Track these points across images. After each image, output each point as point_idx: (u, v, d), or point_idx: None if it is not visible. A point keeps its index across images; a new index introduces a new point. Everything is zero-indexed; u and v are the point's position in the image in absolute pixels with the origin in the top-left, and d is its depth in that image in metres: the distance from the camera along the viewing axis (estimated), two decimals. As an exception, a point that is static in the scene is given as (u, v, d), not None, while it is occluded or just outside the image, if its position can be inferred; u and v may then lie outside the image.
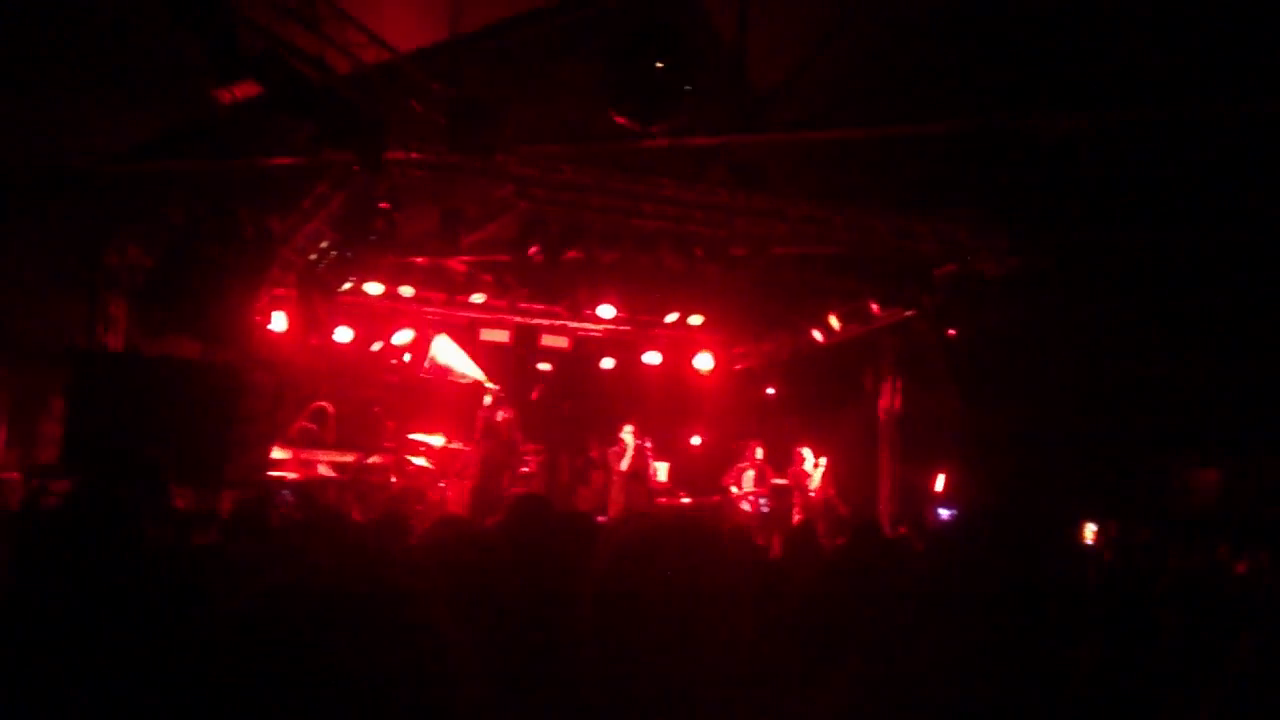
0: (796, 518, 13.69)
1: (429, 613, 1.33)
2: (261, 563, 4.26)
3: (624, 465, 13.90)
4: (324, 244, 10.75)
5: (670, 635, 1.73)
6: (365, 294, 13.11)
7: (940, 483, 14.39)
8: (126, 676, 2.65)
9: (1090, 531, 13.09)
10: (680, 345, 15.66)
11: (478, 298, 13.56)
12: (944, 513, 13.34)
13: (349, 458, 12.76)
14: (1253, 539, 11.01)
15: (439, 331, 14.57)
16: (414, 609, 1.32)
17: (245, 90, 7.32)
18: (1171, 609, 5.51)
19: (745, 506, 14.04)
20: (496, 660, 2.33)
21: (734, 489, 14.18)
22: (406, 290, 13.16)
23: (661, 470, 14.95)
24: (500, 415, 13.24)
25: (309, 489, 10.69)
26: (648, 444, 14.21)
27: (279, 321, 12.38)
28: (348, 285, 12.41)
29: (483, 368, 14.59)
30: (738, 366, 16.50)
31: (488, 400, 13.34)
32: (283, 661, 1.22)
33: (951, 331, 12.44)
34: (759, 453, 14.33)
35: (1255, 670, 1.98)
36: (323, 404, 13.37)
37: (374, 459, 12.96)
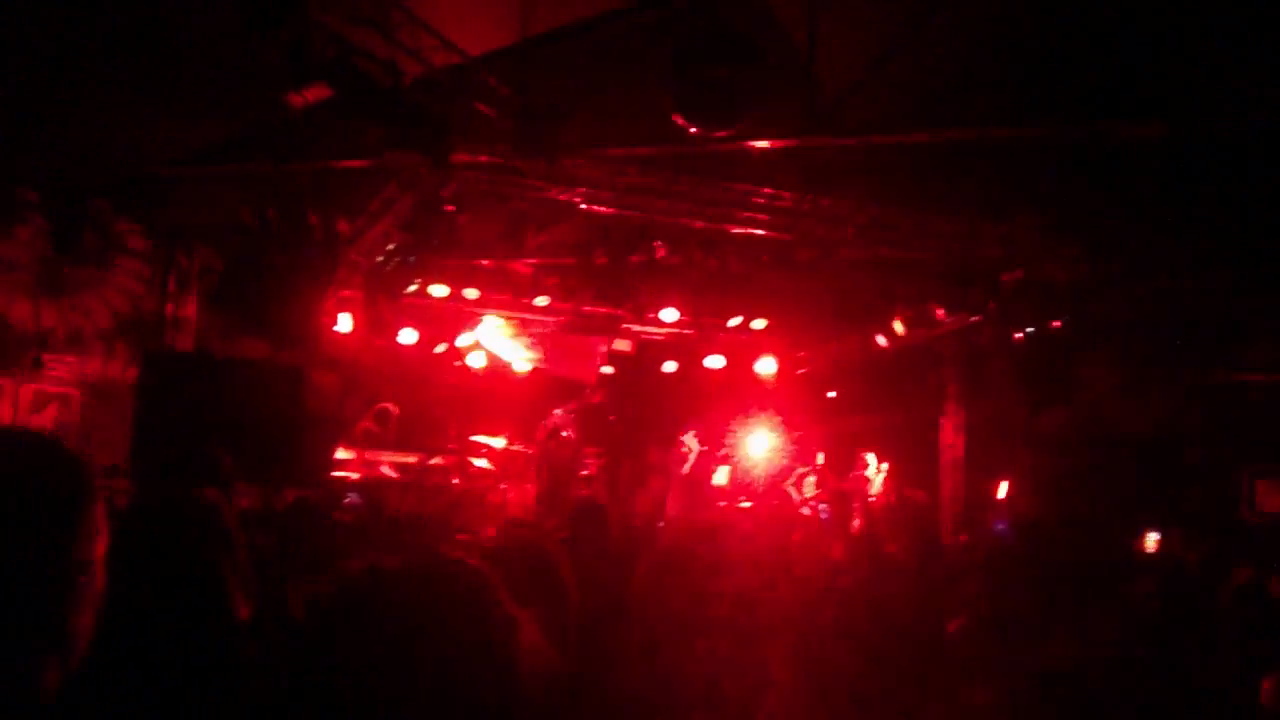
0: (856, 523, 13.56)
1: (501, 597, 1.33)
2: (321, 561, 4.28)
3: (685, 469, 13.87)
4: (390, 246, 10.85)
5: (717, 654, 1.72)
6: (430, 296, 13.20)
7: (1003, 490, 14.19)
8: (202, 677, 2.67)
9: (1152, 540, 12.83)
10: (743, 349, 15.59)
11: (542, 300, 13.60)
12: (1000, 526, 13.16)
13: (411, 459, 12.86)
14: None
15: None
16: (488, 593, 1.32)
17: (317, 94, 7.41)
18: (1232, 618, 5.39)
19: (805, 512, 13.94)
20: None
21: (794, 494, 14.08)
22: (471, 293, 13.23)
23: (722, 474, 14.89)
24: (562, 417, 13.30)
25: (373, 489, 10.79)
26: (706, 448, 14.17)
27: (345, 323, 12.51)
28: (413, 287, 12.52)
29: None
30: (801, 371, 16.39)
31: (558, 412, 13.44)
32: (356, 649, 1.24)
33: (1018, 337, 12.28)
34: (820, 457, 14.23)
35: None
36: (387, 405, 13.50)
37: (436, 460, 13.06)
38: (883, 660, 2.31)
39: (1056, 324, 11.72)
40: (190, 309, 11.20)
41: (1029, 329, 12.09)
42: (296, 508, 6.40)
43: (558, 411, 13.59)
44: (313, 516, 6.15)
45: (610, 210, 9.98)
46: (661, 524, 10.61)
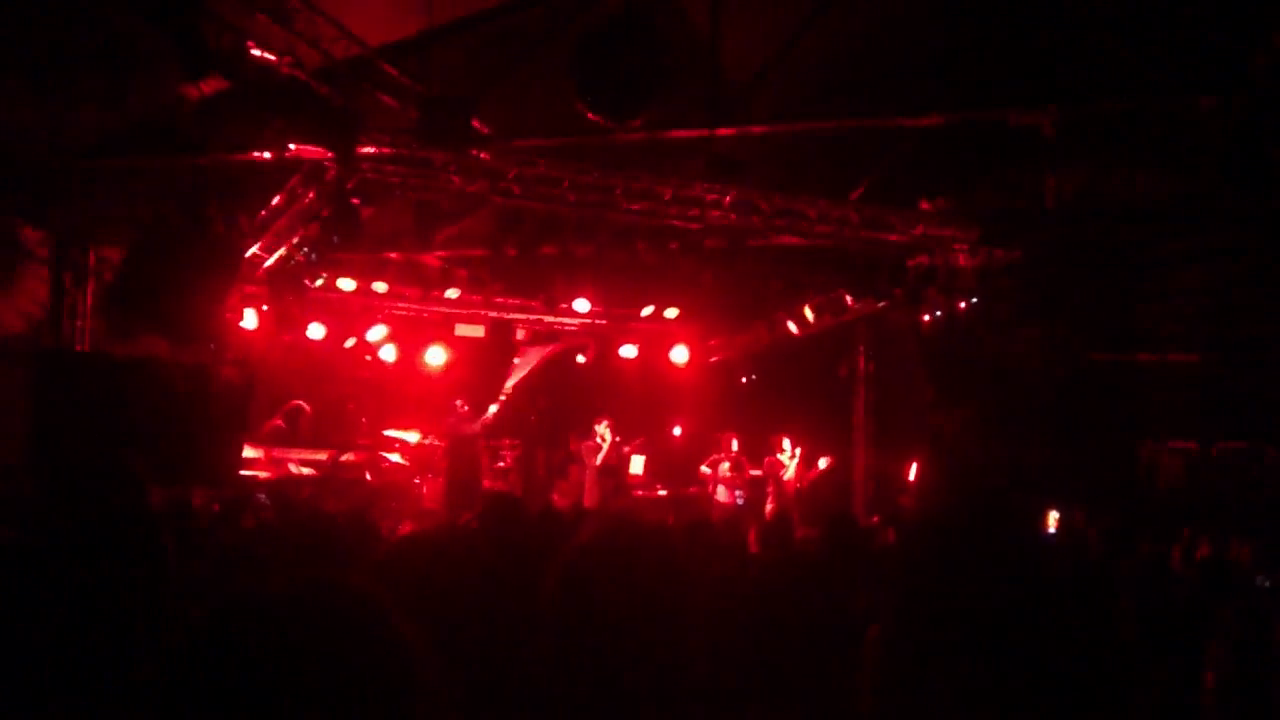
0: (769, 508, 13.74)
1: (390, 619, 1.32)
2: (230, 568, 4.22)
3: (598, 460, 13.91)
4: (295, 240, 10.66)
5: (635, 640, 1.72)
6: (338, 290, 13.02)
7: (913, 472, 14.47)
8: (97, 686, 2.61)
9: (1053, 519, 13.19)
10: (656, 338, 15.65)
11: (452, 293, 13.49)
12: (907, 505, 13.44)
13: (322, 455, 12.67)
14: (1219, 523, 11.15)
15: (411, 327, 14.51)
16: (375, 616, 1.31)
17: (213, 85, 7.25)
18: (1132, 593, 5.56)
19: (722, 498, 14.07)
20: (461, 665, 2.31)
21: (710, 481, 14.22)
22: (380, 286, 13.08)
23: (637, 463, 14.95)
24: (467, 410, 13.23)
25: (283, 488, 10.61)
26: (619, 438, 14.21)
27: (250, 319, 12.28)
28: (320, 282, 12.33)
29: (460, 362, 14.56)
30: (714, 359, 16.52)
31: (460, 404, 13.34)
32: (239, 672, 1.22)
33: (925, 320, 12.53)
34: (735, 444, 14.37)
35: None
36: (299, 402, 13.29)
37: (348, 456, 12.90)
38: (788, 654, 2.34)
39: (961, 307, 11.97)
40: (88, 308, 10.87)
41: (935, 312, 12.33)
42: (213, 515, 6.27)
43: (460, 402, 13.48)
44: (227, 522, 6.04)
45: (519, 202, 9.93)
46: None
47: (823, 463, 14.40)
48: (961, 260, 11.86)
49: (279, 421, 12.99)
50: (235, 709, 1.20)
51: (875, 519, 12.03)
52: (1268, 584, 7.47)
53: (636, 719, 1.71)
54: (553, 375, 15.65)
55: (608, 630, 1.75)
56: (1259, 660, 4.81)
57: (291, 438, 12.88)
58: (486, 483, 13.41)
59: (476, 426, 13.34)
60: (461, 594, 2.92)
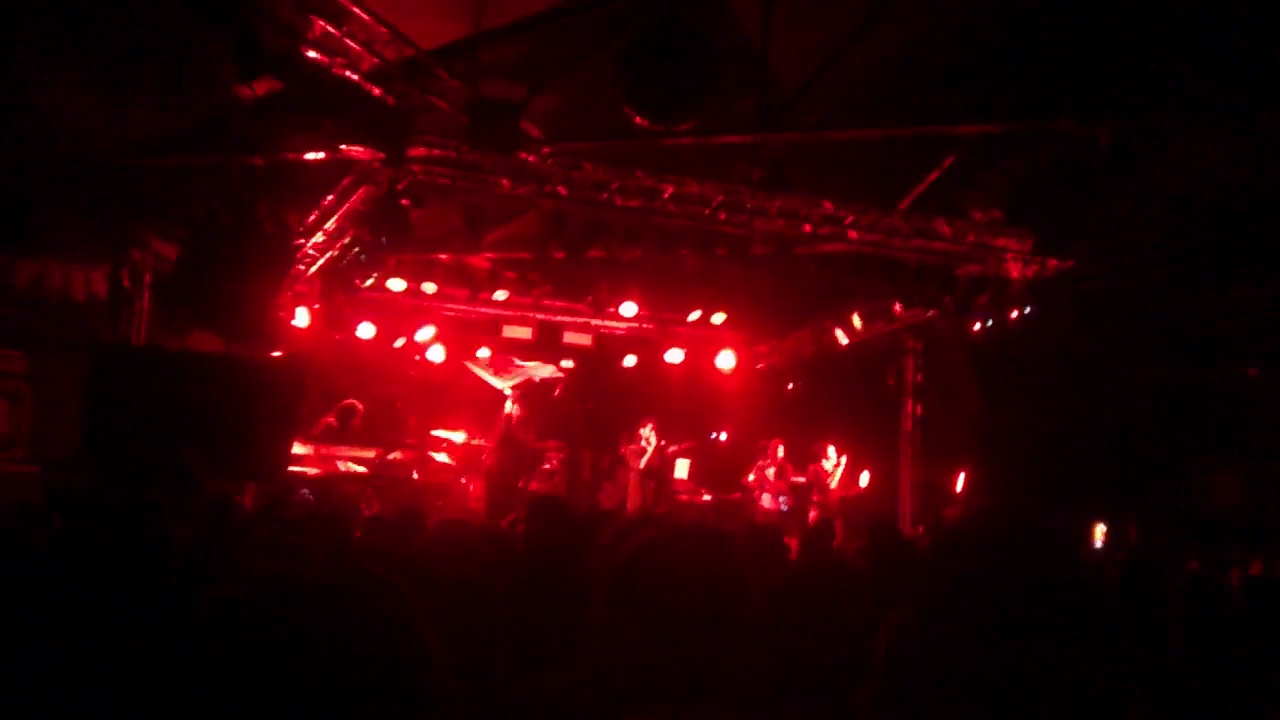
0: (813, 515, 13.68)
1: (414, 620, 1.32)
2: (266, 557, 4.27)
3: (642, 464, 13.91)
4: (346, 240, 10.79)
5: (678, 648, 1.72)
6: (388, 290, 13.14)
7: (960, 482, 14.32)
8: (141, 677, 2.65)
9: (1100, 533, 13.01)
10: (703, 343, 15.63)
11: (500, 294, 13.57)
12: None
13: (370, 453, 12.81)
14: (1272, 542, 10.94)
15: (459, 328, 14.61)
16: (398, 614, 1.32)
17: (267, 86, 7.35)
18: (1181, 610, 5.45)
19: (766, 504, 14.03)
20: (487, 661, 2.32)
21: (754, 487, 14.18)
22: (429, 287, 13.18)
23: (682, 468, 14.94)
24: (516, 413, 13.28)
25: (328, 485, 10.73)
26: (663, 442, 14.21)
27: (301, 317, 12.44)
28: (370, 281, 12.45)
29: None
30: (760, 365, 16.47)
31: (509, 406, 13.41)
32: (258, 656, 1.23)
33: (975, 330, 12.40)
34: (780, 451, 14.32)
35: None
36: (352, 401, 13.44)
37: (395, 455, 13.02)
38: (810, 665, 2.33)
39: (1013, 317, 11.83)
40: (144, 304, 11.06)
41: (986, 322, 12.20)
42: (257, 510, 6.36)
43: (509, 406, 13.55)
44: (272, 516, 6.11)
45: (567, 205, 9.96)
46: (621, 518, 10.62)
47: (864, 480, 14.32)
48: (1013, 270, 11.72)
49: (331, 419, 13.14)
50: (244, 687, 1.22)
51: (920, 529, 11.94)
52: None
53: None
54: (599, 379, 15.68)
55: (662, 633, 1.74)
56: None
57: (342, 436, 13.03)
58: (533, 485, 13.47)
59: (524, 417, 13.35)
60: (501, 594, 2.93)
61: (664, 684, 1.73)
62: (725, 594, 1.79)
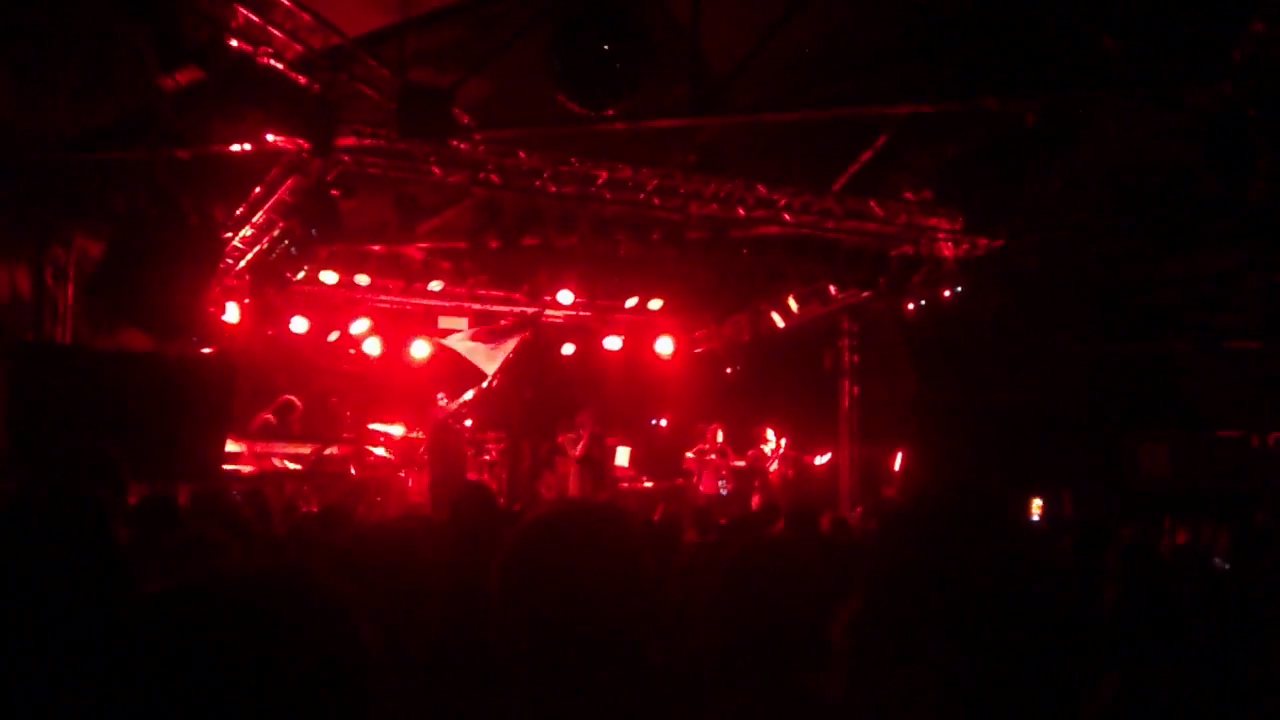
0: (755, 500, 13.75)
1: (348, 616, 1.29)
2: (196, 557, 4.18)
3: (578, 451, 13.85)
4: (276, 233, 10.61)
5: (585, 623, 1.71)
6: (320, 283, 12.96)
7: (898, 461, 14.50)
8: (73, 680, 2.58)
9: (1036, 506, 13.28)
10: (641, 330, 15.63)
11: (435, 285, 13.44)
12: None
13: (306, 450, 12.61)
14: (1199, 512, 11.24)
15: (395, 319, 14.45)
16: (332, 611, 1.28)
17: (190, 76, 7.18)
18: (1119, 578, 5.58)
19: (705, 489, 14.07)
20: (418, 657, 2.29)
21: (695, 471, 14.22)
22: (362, 279, 13.02)
23: (623, 455, 14.92)
24: (449, 404, 13.16)
25: (260, 484, 10.56)
26: (599, 430, 14.16)
27: (232, 313, 12.21)
28: (301, 275, 12.26)
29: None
30: (699, 350, 16.51)
31: (441, 398, 13.28)
32: (183, 662, 1.20)
33: (909, 310, 12.54)
34: (720, 435, 14.37)
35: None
36: (290, 397, 13.21)
37: (331, 450, 12.84)
38: (743, 642, 2.32)
39: (946, 296, 11.97)
40: (69, 301, 10.77)
41: (919, 302, 12.35)
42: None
43: (441, 396, 13.41)
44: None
45: (500, 193, 9.89)
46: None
47: (821, 461, 14.48)
48: (945, 250, 11.87)
49: (269, 416, 12.93)
50: (176, 689, 1.19)
51: (859, 510, 12.06)
52: (1225, 567, 7.63)
53: (588, 705, 1.69)
54: (537, 367, 15.60)
55: (552, 607, 1.73)
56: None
57: (280, 432, 12.82)
58: (471, 475, 13.36)
59: (454, 415, 13.22)
60: (424, 583, 2.90)
61: (560, 655, 1.72)
62: (618, 571, 1.78)
